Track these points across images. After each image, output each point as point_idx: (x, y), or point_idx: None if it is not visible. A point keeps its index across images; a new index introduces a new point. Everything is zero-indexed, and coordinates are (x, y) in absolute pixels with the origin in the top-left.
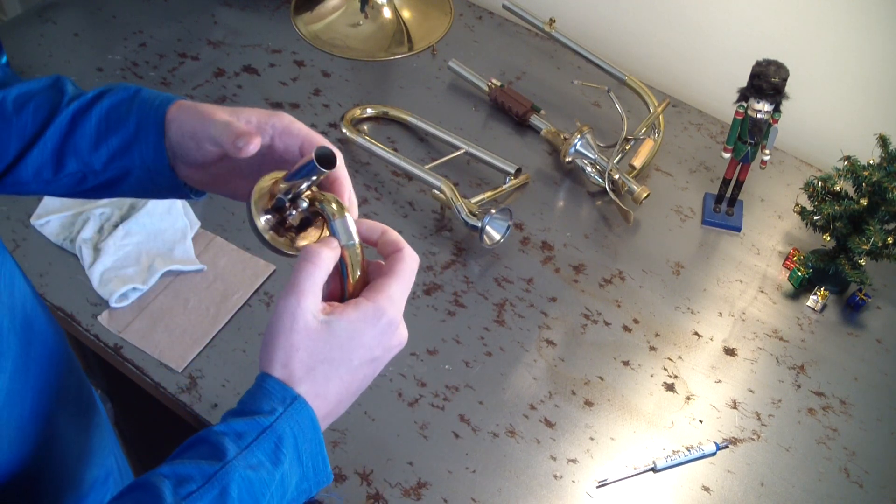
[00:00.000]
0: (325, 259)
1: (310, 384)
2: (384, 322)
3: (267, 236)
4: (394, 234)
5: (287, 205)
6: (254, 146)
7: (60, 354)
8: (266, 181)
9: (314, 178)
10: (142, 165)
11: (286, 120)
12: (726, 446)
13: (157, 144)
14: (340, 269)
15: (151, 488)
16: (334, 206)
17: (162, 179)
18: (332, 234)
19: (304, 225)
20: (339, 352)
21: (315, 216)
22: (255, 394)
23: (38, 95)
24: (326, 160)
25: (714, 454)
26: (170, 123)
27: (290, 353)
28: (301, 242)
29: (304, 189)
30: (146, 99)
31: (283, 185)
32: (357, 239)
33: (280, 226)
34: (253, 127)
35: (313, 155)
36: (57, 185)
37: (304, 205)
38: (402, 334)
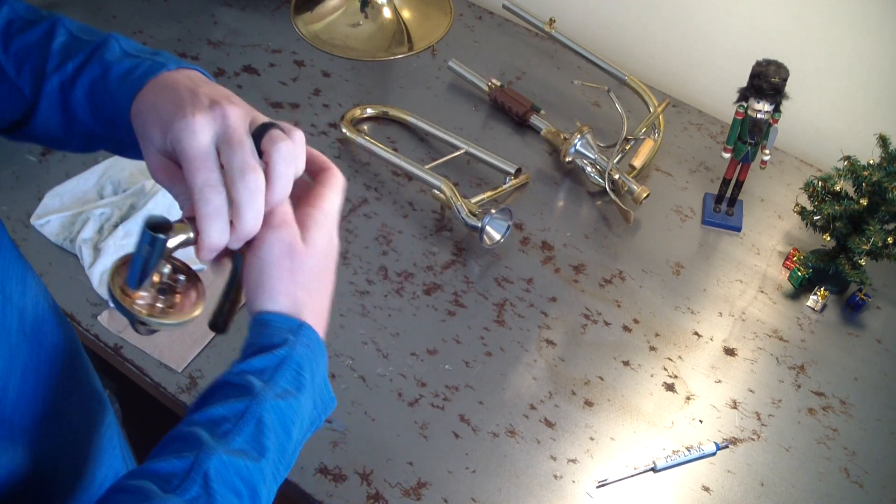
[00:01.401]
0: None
1: (311, 305)
2: (332, 223)
3: (193, 316)
4: (319, 157)
5: (165, 285)
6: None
7: (71, 355)
8: (117, 289)
9: (159, 248)
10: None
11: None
12: (726, 446)
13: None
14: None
15: (188, 436)
16: (171, 235)
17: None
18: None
19: (187, 273)
20: (324, 261)
21: (175, 256)
22: (260, 333)
23: (31, 53)
24: (163, 227)
25: (714, 454)
26: (135, 119)
27: (291, 281)
28: (202, 287)
29: (159, 263)
30: (113, 85)
31: (143, 287)
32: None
33: (183, 301)
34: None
35: (146, 227)
36: (70, 144)
37: (167, 269)
38: None
